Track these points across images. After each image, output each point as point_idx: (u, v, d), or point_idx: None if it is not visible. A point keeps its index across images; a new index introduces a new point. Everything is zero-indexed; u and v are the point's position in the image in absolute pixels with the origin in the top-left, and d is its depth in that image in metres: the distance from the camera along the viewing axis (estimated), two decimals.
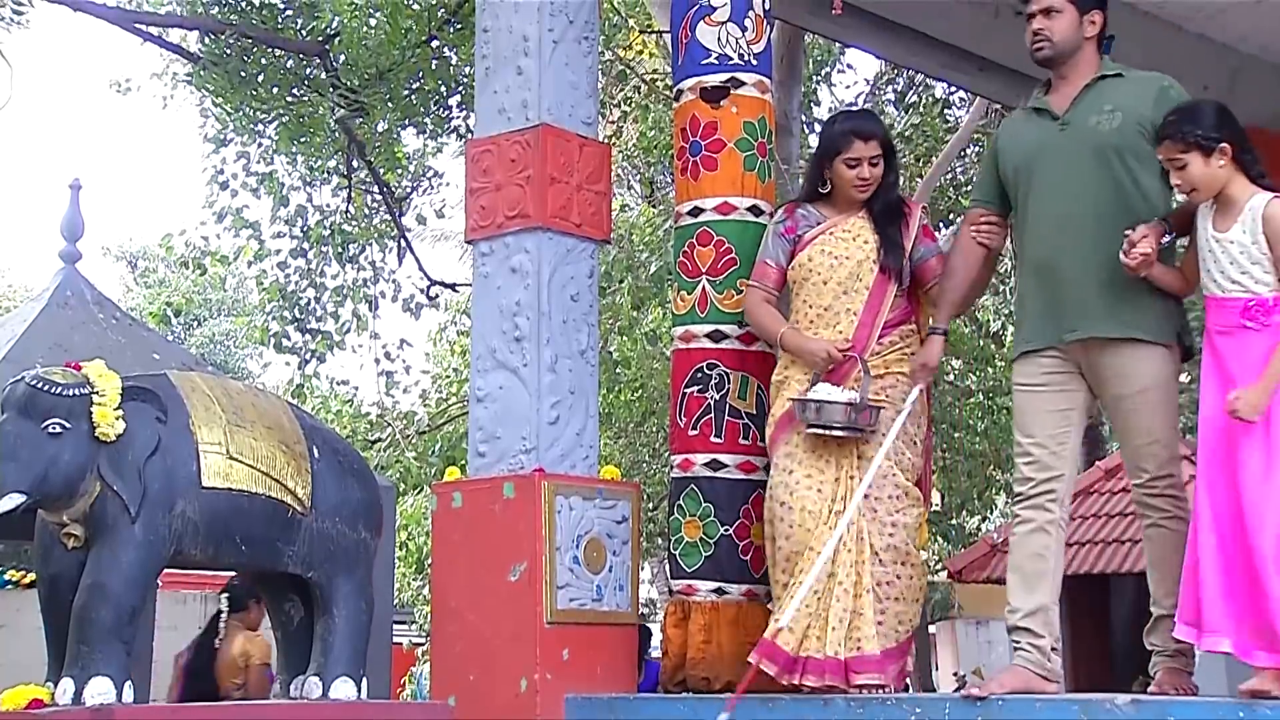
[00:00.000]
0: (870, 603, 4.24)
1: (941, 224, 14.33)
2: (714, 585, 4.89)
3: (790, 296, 4.70)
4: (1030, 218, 4.22)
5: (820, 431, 4.35)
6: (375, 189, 11.90)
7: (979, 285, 4.60)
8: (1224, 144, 3.65)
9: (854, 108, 5.03)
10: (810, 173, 4.66)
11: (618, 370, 14.68)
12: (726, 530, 4.82)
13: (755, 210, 5.28)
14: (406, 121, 11.46)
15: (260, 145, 11.41)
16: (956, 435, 16.07)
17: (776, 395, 4.60)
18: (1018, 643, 4.07)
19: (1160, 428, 4.08)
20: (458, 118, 11.34)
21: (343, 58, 10.17)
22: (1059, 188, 4.13)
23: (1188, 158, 3.66)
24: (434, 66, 10.48)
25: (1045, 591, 4.08)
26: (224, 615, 6.28)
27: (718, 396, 5.05)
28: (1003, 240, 4.47)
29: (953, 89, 13.02)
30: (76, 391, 3.69)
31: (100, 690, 3.60)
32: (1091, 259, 4.07)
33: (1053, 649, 4.07)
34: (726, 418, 5.05)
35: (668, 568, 4.59)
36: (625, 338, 15.07)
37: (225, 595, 6.29)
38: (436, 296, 12.49)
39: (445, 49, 10.65)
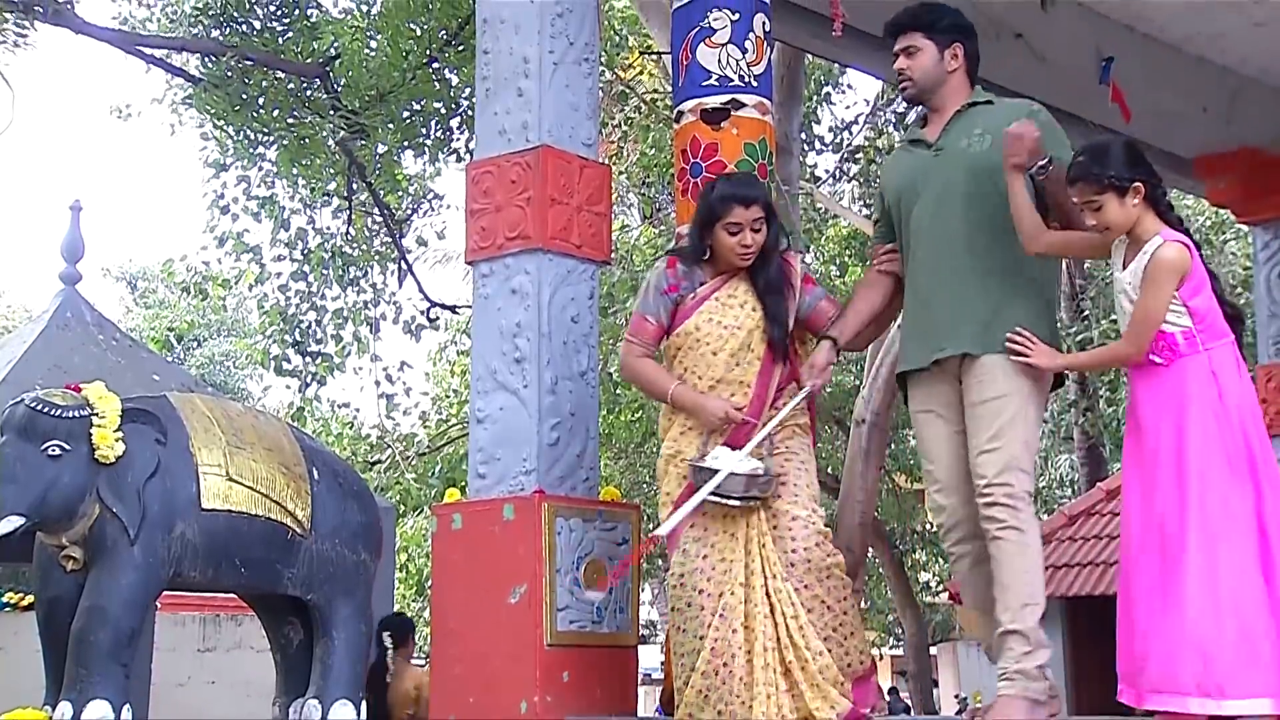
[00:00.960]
0: (813, 656, 4.04)
1: None
2: None
3: (665, 361, 4.45)
4: (910, 244, 4.23)
5: (717, 501, 4.07)
6: (376, 211, 11.92)
7: (886, 313, 4.48)
8: (1137, 183, 3.62)
9: (734, 172, 4.73)
10: (691, 238, 4.41)
11: (618, 391, 14.68)
12: None
13: None
14: (407, 143, 11.48)
15: (261, 168, 11.43)
16: None
17: (666, 471, 4.30)
18: (1001, 672, 3.96)
19: (1006, 433, 3.97)
20: (458, 139, 11.36)
21: (343, 80, 10.18)
22: (933, 211, 4.16)
23: (1103, 199, 3.63)
24: (435, 88, 10.50)
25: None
26: (390, 650, 6.34)
27: None
28: (900, 266, 4.40)
29: None
30: (76, 413, 3.69)
31: (99, 713, 3.59)
32: (965, 278, 4.07)
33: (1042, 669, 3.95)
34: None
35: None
36: None
37: (388, 632, 6.32)
38: (437, 319, 12.49)
39: (446, 71, 10.66)
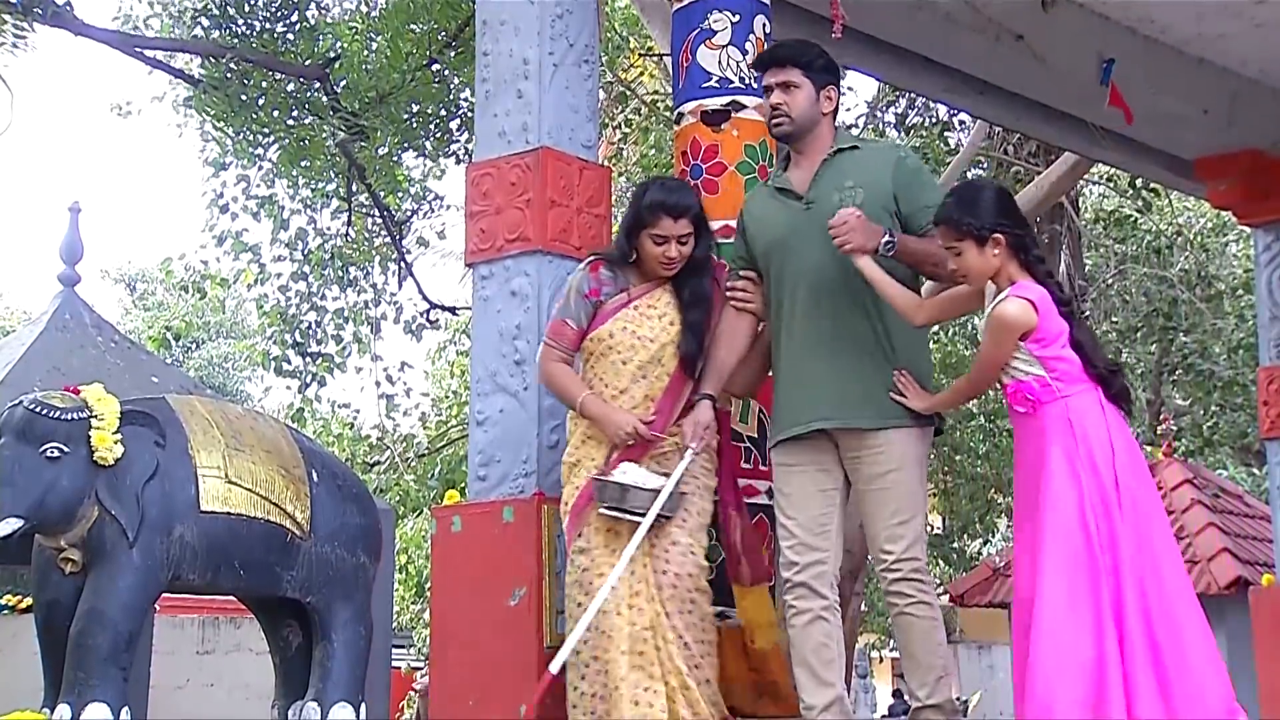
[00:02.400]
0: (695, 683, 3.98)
1: None
2: (716, 610, 4.86)
3: (581, 365, 4.34)
4: (785, 302, 4.09)
5: (620, 516, 3.96)
6: (376, 212, 11.91)
7: (756, 363, 4.28)
8: (997, 234, 3.55)
9: (668, 178, 4.56)
10: (617, 241, 4.26)
11: None
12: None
13: None
14: (407, 145, 11.47)
15: (261, 169, 11.42)
16: (957, 458, 16.05)
17: (569, 479, 4.19)
18: None
19: (909, 508, 3.93)
20: (458, 141, 11.35)
21: (343, 81, 10.18)
22: (815, 272, 4.01)
23: (962, 246, 3.59)
24: (434, 90, 10.49)
25: (837, 679, 3.96)
26: None
27: None
28: (761, 302, 4.21)
29: (954, 112, 13.04)
30: (75, 416, 3.68)
31: (97, 716, 3.58)
32: (855, 347, 3.97)
33: None
34: (730, 442, 5.03)
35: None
36: None
37: None
38: (437, 320, 12.49)
39: (445, 72, 10.66)
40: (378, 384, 12.90)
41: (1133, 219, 14.97)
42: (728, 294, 4.18)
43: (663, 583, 3.95)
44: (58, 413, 3.68)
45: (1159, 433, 13.66)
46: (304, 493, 4.13)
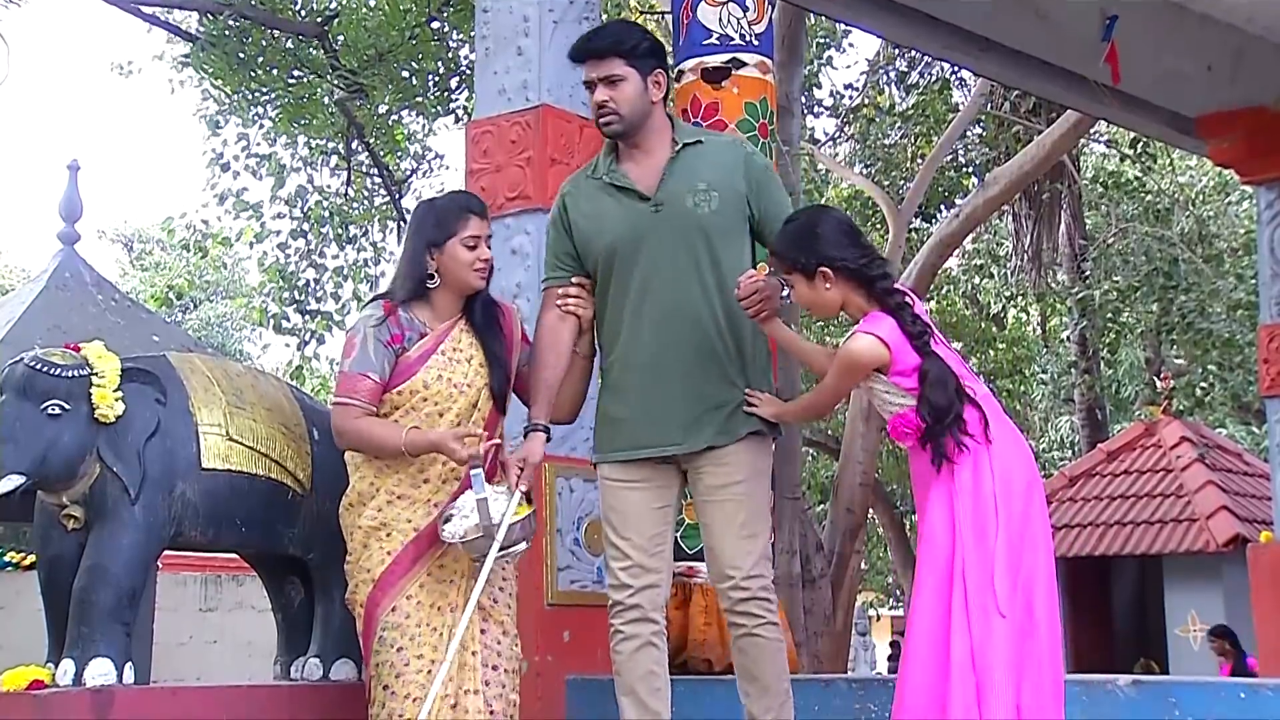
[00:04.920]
0: None
1: (942, 205, 14.32)
2: (685, 566, 4.88)
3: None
4: (627, 314, 3.72)
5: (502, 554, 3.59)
6: (375, 170, 11.88)
7: (580, 383, 3.91)
8: (822, 269, 3.35)
9: (455, 190, 4.33)
10: (410, 266, 3.76)
11: None
12: None
13: None
14: (406, 103, 11.42)
15: (260, 127, 11.39)
16: None
17: (368, 543, 3.67)
18: None
19: (754, 522, 3.66)
20: (457, 99, 11.30)
21: (342, 39, 10.13)
22: (659, 285, 3.68)
23: (792, 279, 3.44)
24: (433, 48, 10.44)
25: (664, 709, 3.74)
26: None
27: None
28: (591, 308, 3.83)
29: (955, 70, 12.98)
30: (75, 373, 3.68)
31: (101, 671, 3.60)
32: (699, 362, 3.66)
33: None
34: None
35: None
36: None
37: None
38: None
39: (445, 30, 10.61)
40: None
41: (1134, 180, 14.93)
42: (559, 301, 3.77)
43: (490, 679, 3.65)
44: (58, 370, 3.67)
45: (1158, 392, 13.68)
46: (305, 450, 4.14)
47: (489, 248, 3.79)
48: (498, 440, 3.73)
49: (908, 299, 3.37)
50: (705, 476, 3.67)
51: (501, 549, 3.54)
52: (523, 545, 3.63)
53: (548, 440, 3.74)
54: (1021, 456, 3.31)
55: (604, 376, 3.81)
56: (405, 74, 10.51)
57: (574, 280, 3.79)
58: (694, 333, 3.65)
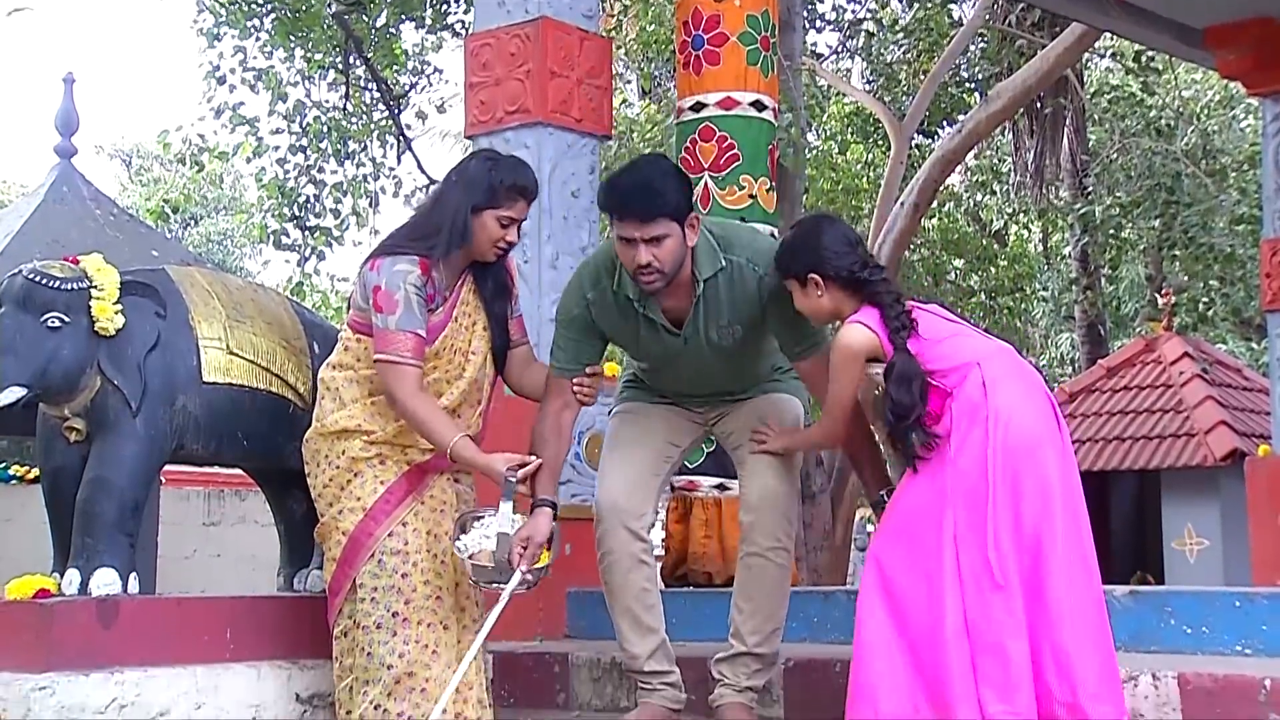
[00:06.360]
0: None
1: (945, 122, 14.21)
2: (715, 481, 4.92)
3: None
4: (655, 371, 3.88)
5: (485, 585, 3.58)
6: (374, 85, 11.77)
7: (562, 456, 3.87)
8: (812, 275, 3.40)
9: (510, 157, 3.83)
10: (455, 224, 3.61)
11: None
12: None
13: (758, 105, 5.23)
14: (404, 16, 11.29)
15: (257, 39, 11.27)
16: None
17: (361, 469, 3.63)
18: (646, 684, 3.75)
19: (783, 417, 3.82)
20: (456, 12, 11.18)
21: None
22: (691, 378, 3.81)
23: (790, 285, 3.49)
24: None
25: (659, 623, 3.77)
26: None
27: None
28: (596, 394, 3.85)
29: None
30: (74, 286, 3.67)
31: (106, 581, 3.63)
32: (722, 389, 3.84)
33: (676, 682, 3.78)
34: None
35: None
36: None
37: None
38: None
39: None
40: None
41: (1138, 95, 14.80)
42: (575, 390, 3.73)
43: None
44: (57, 282, 3.66)
45: (1159, 307, 13.67)
46: (305, 364, 4.13)
47: (519, 234, 3.70)
48: (539, 461, 3.61)
49: (900, 296, 3.38)
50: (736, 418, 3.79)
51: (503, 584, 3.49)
52: (526, 587, 3.56)
53: (554, 517, 3.64)
54: (1036, 409, 3.27)
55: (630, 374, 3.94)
56: None
57: (588, 370, 3.75)
58: (720, 384, 3.80)
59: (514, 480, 3.50)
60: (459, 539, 3.54)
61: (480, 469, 3.56)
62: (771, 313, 3.63)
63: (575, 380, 3.72)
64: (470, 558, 3.51)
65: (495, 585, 3.51)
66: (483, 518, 3.58)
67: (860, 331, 3.33)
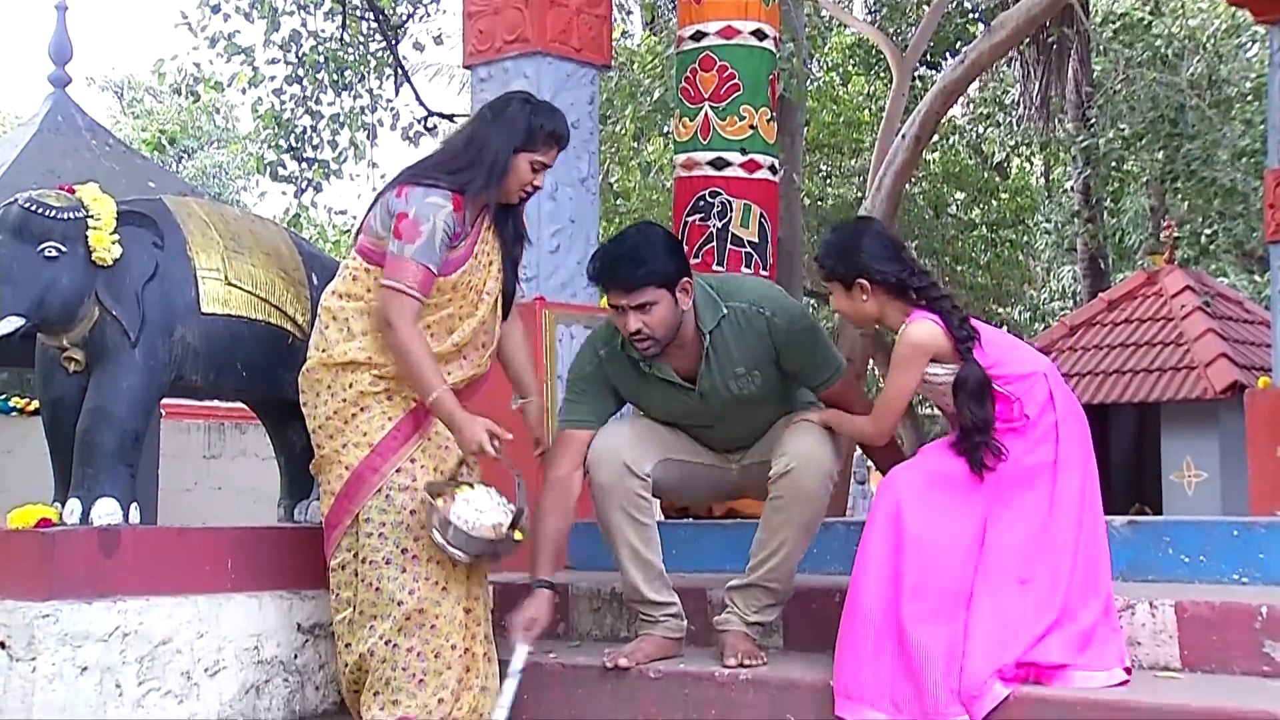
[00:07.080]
0: None
1: (948, 53, 14.09)
2: None
3: None
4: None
5: (458, 555, 3.51)
6: (370, 15, 11.65)
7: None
8: (859, 280, 3.37)
9: (545, 102, 3.79)
10: (494, 164, 3.59)
11: (618, 201, 14.57)
12: None
13: (759, 34, 5.18)
14: None
15: None
16: (959, 269, 16.04)
17: (368, 404, 3.60)
18: (648, 616, 3.73)
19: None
20: None
21: None
22: (722, 435, 3.80)
23: (832, 288, 3.45)
24: None
25: (659, 556, 3.72)
26: None
27: (720, 224, 5.01)
28: None
29: None
30: (71, 215, 3.65)
31: (107, 510, 3.63)
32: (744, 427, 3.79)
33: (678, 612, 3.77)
34: (729, 245, 5.02)
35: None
36: (625, 168, 14.95)
37: None
38: (434, 127, 12.32)
39: None
40: (374, 190, 12.79)
41: (1144, 21, 14.66)
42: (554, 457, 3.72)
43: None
44: (54, 211, 3.63)
45: (1161, 239, 13.62)
46: (304, 295, 4.12)
47: (542, 182, 3.72)
48: (509, 435, 3.53)
49: (955, 302, 3.38)
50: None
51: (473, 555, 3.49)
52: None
53: (555, 599, 3.66)
54: (1083, 419, 3.36)
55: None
56: None
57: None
58: (757, 431, 3.75)
59: (497, 454, 3.45)
60: (452, 513, 3.46)
61: (455, 427, 3.48)
62: (786, 350, 3.62)
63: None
64: (451, 522, 3.45)
65: (481, 558, 3.52)
66: (455, 489, 3.54)
67: (932, 328, 3.31)
